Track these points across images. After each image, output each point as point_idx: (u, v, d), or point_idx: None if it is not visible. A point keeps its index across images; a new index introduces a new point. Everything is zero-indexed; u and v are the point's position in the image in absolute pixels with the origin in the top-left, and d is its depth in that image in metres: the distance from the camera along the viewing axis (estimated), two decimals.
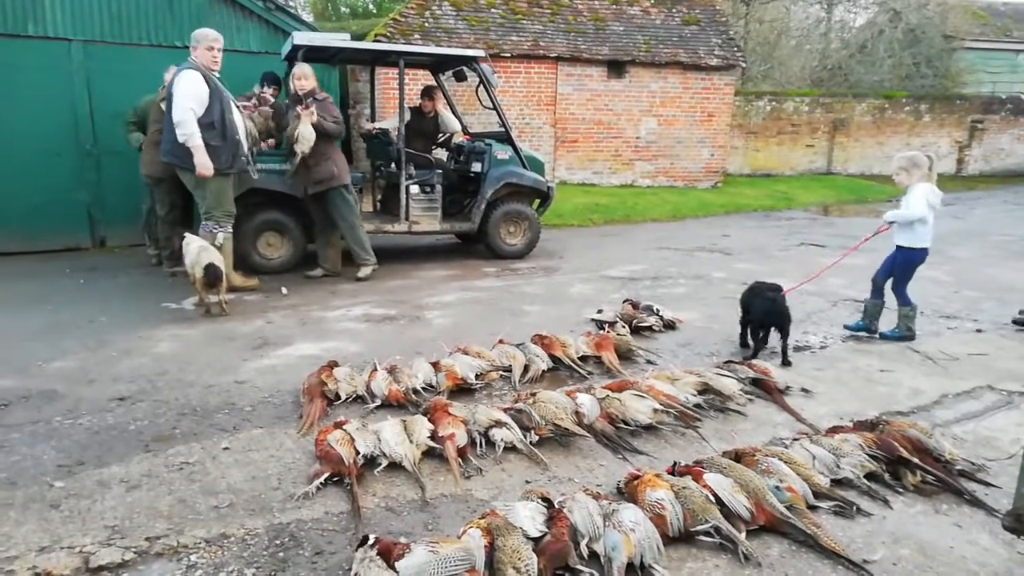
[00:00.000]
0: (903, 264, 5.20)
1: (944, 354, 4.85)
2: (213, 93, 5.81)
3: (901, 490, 3.02)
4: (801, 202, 14.07)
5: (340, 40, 7.31)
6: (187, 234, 5.90)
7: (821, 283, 6.99)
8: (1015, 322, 5.50)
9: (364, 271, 6.99)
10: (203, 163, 5.75)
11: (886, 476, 3.07)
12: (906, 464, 3.09)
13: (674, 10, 14.51)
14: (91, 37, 8.04)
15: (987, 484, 3.08)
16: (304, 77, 6.67)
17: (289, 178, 6.79)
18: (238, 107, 6.18)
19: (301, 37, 6.99)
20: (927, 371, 4.56)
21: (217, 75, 5.93)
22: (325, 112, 6.60)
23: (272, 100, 7.85)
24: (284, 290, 6.48)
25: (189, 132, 5.68)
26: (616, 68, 13.64)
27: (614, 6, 14.19)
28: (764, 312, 4.75)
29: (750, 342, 4.89)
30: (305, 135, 6.42)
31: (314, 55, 7.48)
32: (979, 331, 5.41)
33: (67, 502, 2.83)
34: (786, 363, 4.63)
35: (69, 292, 6.35)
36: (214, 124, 5.82)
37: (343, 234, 7.01)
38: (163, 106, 6.44)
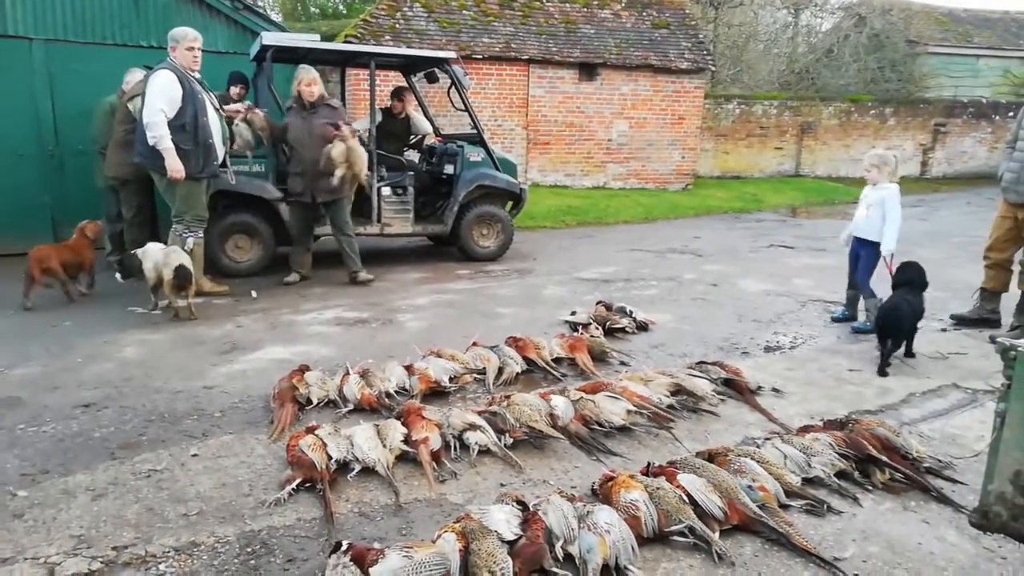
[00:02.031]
0: (873, 259, 5.40)
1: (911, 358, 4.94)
2: (187, 95, 5.68)
3: (870, 488, 3.06)
4: (770, 204, 14.24)
5: (310, 41, 7.24)
6: (137, 251, 5.76)
7: (789, 284, 7.10)
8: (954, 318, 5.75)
9: (364, 275, 6.91)
10: (174, 166, 5.65)
11: (856, 474, 3.12)
12: (875, 462, 3.14)
13: (644, 13, 14.61)
14: (53, 36, 7.86)
15: (954, 481, 3.14)
16: (314, 83, 6.52)
17: (302, 187, 6.66)
18: (217, 109, 6.08)
19: (270, 37, 6.92)
20: (894, 370, 4.63)
21: (197, 76, 5.83)
22: (336, 120, 6.53)
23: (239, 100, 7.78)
24: (254, 293, 6.40)
25: (159, 134, 5.57)
26: (587, 71, 13.69)
27: (585, 9, 14.26)
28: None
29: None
30: (362, 157, 6.43)
31: (283, 56, 7.41)
32: (944, 331, 5.51)
33: (31, 512, 2.76)
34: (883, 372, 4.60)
35: (32, 296, 6.19)
36: (185, 127, 5.70)
37: (342, 242, 6.88)
38: (130, 107, 6.34)
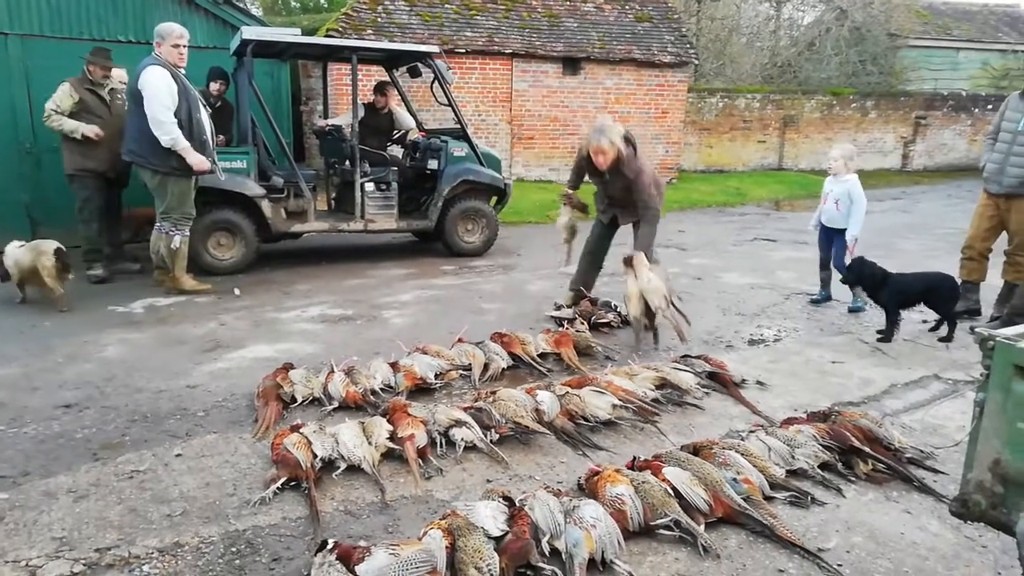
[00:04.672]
0: (845, 243, 5.79)
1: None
2: (181, 91, 5.70)
3: (853, 479, 3.09)
4: (754, 197, 14.31)
5: (290, 35, 7.18)
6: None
7: (772, 277, 7.14)
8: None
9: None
10: (197, 161, 5.75)
11: (839, 465, 3.15)
12: (858, 453, 3.16)
13: (627, 7, 14.61)
14: (29, 31, 7.74)
15: (935, 471, 3.17)
16: (604, 151, 4.95)
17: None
18: (204, 105, 6.07)
19: (250, 32, 6.85)
20: (876, 362, 4.69)
21: (183, 72, 5.81)
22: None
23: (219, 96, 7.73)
24: (237, 291, 6.35)
25: (174, 135, 5.62)
26: (571, 65, 13.67)
27: (568, 2, 14.23)
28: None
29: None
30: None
31: (264, 51, 7.35)
32: (925, 322, 5.56)
33: (11, 514, 2.73)
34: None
35: (9, 296, 6.12)
36: (182, 123, 5.72)
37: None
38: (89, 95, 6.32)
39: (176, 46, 5.73)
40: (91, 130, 6.31)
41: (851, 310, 5.88)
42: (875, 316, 5.63)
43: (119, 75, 6.85)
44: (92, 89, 6.43)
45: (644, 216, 5.13)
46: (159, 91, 5.55)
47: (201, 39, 8.70)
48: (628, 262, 4.96)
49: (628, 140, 5.04)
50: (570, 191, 5.63)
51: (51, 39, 7.86)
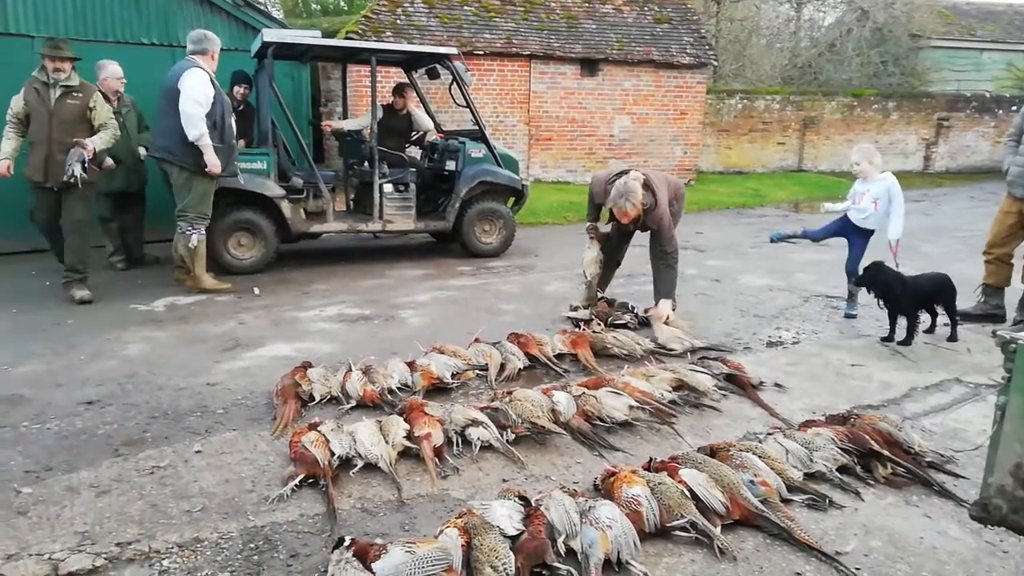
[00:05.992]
0: (865, 247, 5.57)
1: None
2: (216, 96, 5.94)
3: (872, 482, 3.06)
4: (773, 199, 14.20)
5: (311, 37, 7.24)
6: None
7: (791, 279, 7.09)
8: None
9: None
10: (213, 162, 5.89)
11: (858, 469, 3.12)
12: (877, 457, 3.14)
13: (646, 8, 14.57)
14: (55, 34, 7.84)
15: (956, 475, 3.14)
16: (628, 214, 4.99)
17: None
18: (232, 111, 6.27)
19: (271, 34, 6.91)
20: (896, 365, 4.64)
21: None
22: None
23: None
24: (256, 290, 6.41)
25: (202, 131, 5.78)
26: (589, 66, 13.66)
27: (586, 4, 14.22)
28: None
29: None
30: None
31: (284, 53, 7.41)
32: (947, 325, 5.49)
33: (35, 508, 2.78)
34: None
35: (34, 294, 6.22)
36: (215, 125, 5.94)
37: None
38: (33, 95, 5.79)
39: (214, 54, 6.06)
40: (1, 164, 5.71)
41: (846, 316, 5.75)
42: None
43: (114, 72, 6.82)
44: (38, 89, 5.77)
45: (666, 260, 5.22)
46: (196, 90, 5.76)
47: (223, 41, 8.75)
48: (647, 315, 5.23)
49: (647, 185, 5.08)
50: (595, 224, 5.59)
51: (76, 41, 7.95)
